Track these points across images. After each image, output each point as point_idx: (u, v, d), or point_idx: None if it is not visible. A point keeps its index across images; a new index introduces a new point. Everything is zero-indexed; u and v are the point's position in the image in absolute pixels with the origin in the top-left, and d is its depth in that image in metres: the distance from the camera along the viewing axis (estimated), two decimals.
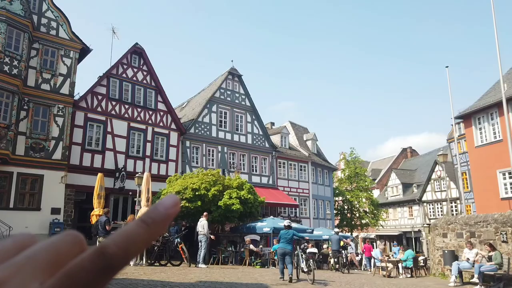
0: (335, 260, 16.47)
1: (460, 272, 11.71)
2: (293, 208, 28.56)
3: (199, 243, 13.44)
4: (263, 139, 28.13)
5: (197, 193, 16.53)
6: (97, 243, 12.28)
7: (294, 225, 19.27)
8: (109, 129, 20.08)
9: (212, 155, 24.82)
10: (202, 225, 13.47)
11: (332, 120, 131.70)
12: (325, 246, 20.74)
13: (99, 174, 15.68)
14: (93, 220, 13.49)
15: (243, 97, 27.75)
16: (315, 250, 17.68)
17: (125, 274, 8.74)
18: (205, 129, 24.83)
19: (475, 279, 10.87)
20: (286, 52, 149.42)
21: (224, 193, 17.24)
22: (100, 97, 20.12)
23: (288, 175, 29.58)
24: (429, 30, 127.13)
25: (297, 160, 30.49)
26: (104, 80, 20.46)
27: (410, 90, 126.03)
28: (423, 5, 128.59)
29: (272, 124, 37.12)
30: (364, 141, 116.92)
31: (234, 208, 16.68)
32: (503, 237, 11.45)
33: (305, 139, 35.23)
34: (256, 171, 27.07)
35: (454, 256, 12.78)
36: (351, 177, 35.76)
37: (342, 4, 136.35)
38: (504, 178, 19.64)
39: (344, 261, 16.47)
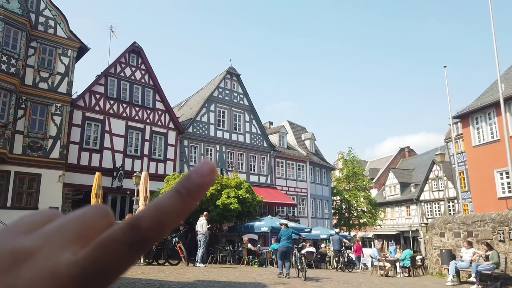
0: (336, 259, 16.62)
1: (457, 272, 11.76)
2: (291, 208, 28.57)
3: (198, 243, 13.44)
4: (261, 138, 28.14)
5: None
6: None
7: (292, 224, 19.35)
8: (107, 128, 20.04)
9: (210, 155, 24.80)
10: (201, 224, 13.46)
11: (330, 120, 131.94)
12: (323, 245, 20.76)
13: (97, 173, 15.64)
14: None
15: (241, 96, 27.74)
16: (313, 249, 17.72)
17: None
18: (203, 129, 24.81)
19: (472, 279, 10.91)
20: (286, 51, 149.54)
21: (222, 192, 17.24)
22: (98, 96, 20.08)
23: (286, 175, 29.60)
24: (428, 30, 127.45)
25: (295, 160, 30.51)
26: (102, 79, 20.42)
27: (408, 90, 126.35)
28: (422, 5, 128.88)
29: (270, 123, 37.13)
30: (362, 141, 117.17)
31: (232, 208, 16.67)
32: (500, 236, 11.49)
33: (303, 138, 35.24)
34: (254, 170, 27.07)
35: (451, 256, 12.82)
36: (349, 177, 35.85)
37: (341, 3, 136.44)
38: (502, 178, 19.71)
39: (346, 260, 16.51)
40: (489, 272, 10.63)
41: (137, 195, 15.28)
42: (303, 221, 28.62)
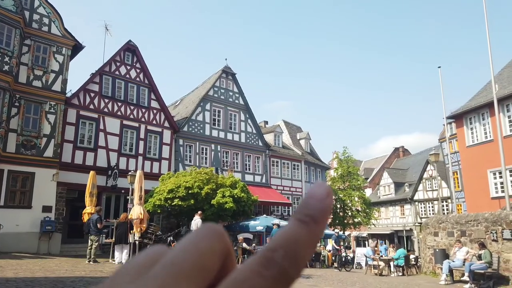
0: (333, 258, 16.82)
1: (451, 271, 11.86)
2: (286, 207, 28.62)
3: None
4: (256, 137, 28.14)
5: (190, 191, 16.48)
6: (89, 241, 12.25)
7: (286, 223, 19.36)
8: (101, 127, 19.94)
9: (206, 154, 24.77)
10: (196, 223, 13.45)
11: (325, 119, 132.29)
12: (318, 244, 20.82)
13: (91, 172, 15.57)
14: (85, 218, 13.40)
15: (237, 95, 27.73)
16: None
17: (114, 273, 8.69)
18: (199, 128, 24.77)
19: (466, 278, 11.01)
20: (282, 51, 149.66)
21: (217, 191, 17.22)
22: (92, 95, 19.97)
23: (281, 174, 29.64)
24: (423, 30, 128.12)
25: (290, 159, 30.56)
26: (96, 78, 20.31)
27: (402, 90, 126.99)
28: (417, 5, 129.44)
29: (266, 122, 37.15)
30: (357, 140, 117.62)
31: (227, 207, 16.67)
32: (493, 236, 11.59)
33: (298, 138, 35.31)
34: (249, 169, 27.07)
35: (445, 255, 12.91)
36: (344, 176, 35.89)
37: (339, 4, 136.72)
38: (495, 178, 19.87)
39: (343, 260, 16.60)
40: (482, 271, 10.73)
41: (132, 194, 15.23)
42: None
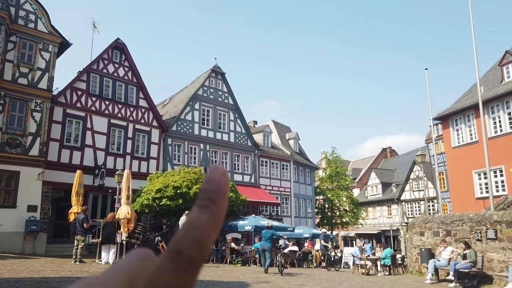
0: (322, 258, 16.98)
1: (436, 270, 12.02)
2: (275, 207, 28.67)
3: None
4: (245, 137, 28.14)
5: (178, 191, 16.40)
6: (75, 241, 12.08)
7: (275, 223, 19.43)
8: (88, 125, 19.70)
9: (194, 153, 24.67)
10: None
11: (314, 120, 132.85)
12: (306, 244, 20.93)
13: (78, 171, 15.36)
14: (71, 218, 13.21)
15: (226, 95, 27.68)
16: (296, 248, 17.83)
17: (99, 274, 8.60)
18: (187, 127, 24.65)
19: (451, 277, 11.18)
20: (271, 51, 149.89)
21: None
22: (79, 93, 19.71)
23: (270, 174, 29.68)
24: (411, 32, 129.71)
25: (279, 159, 30.63)
26: (84, 76, 20.05)
27: (390, 91, 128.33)
28: (404, 7, 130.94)
29: (255, 122, 37.17)
30: (345, 141, 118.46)
31: None
32: (477, 235, 11.80)
33: (287, 138, 35.41)
34: (238, 169, 27.05)
35: (430, 254, 13.10)
36: (332, 176, 36.17)
37: (330, 4, 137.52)
38: (480, 179, 20.22)
39: (332, 259, 16.73)
40: (467, 271, 10.91)
41: (119, 194, 15.07)
42: (287, 220, 28.76)
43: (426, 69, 21.23)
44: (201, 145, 25.07)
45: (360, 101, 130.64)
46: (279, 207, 29.17)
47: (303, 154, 36.03)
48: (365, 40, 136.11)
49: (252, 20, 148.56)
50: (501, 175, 19.15)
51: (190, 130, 24.71)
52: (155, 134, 22.51)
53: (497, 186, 19.07)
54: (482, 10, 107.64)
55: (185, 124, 24.55)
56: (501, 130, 19.50)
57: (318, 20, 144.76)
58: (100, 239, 12.85)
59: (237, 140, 27.48)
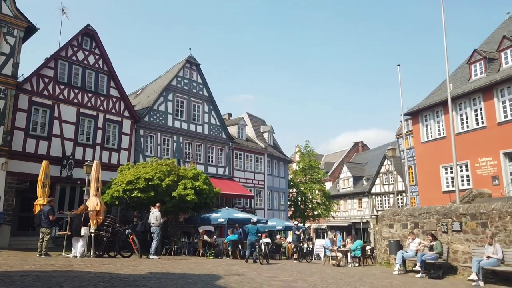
0: (294, 250, 17.18)
1: (404, 261, 12.35)
2: (248, 199, 28.74)
3: (152, 235, 13.13)
4: (220, 129, 27.95)
5: (150, 183, 16.09)
6: (40, 233, 11.64)
7: (248, 216, 19.46)
8: (56, 114, 18.98)
9: (167, 145, 24.30)
10: (155, 216, 13.14)
11: (289, 114, 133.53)
12: (278, 236, 21.09)
13: (44, 162, 14.74)
14: (37, 209, 12.70)
15: (201, 86, 27.35)
16: (268, 240, 17.91)
17: (70, 267, 8.33)
18: (161, 118, 24.22)
19: (417, 267, 11.52)
20: (248, 44, 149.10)
21: (179, 183, 16.94)
22: (47, 80, 18.93)
23: (244, 167, 29.68)
24: (384, 29, 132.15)
25: (253, 152, 30.65)
26: (51, 62, 19.26)
27: (363, 87, 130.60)
28: (377, 5, 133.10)
29: (230, 115, 37.00)
30: (318, 135, 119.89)
31: (189, 199, 16.44)
32: (443, 228, 12.19)
33: (262, 131, 35.47)
34: (212, 161, 26.88)
35: (399, 246, 13.44)
36: (306, 170, 36.60)
37: (305, 5, 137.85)
38: (446, 173, 20.90)
39: (304, 251, 16.96)
40: (433, 261, 11.26)
41: (88, 185, 14.63)
42: (260, 212, 28.89)
43: (399, 65, 21.65)
44: (175, 136, 24.71)
45: (334, 97, 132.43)
46: (252, 200, 29.27)
47: (277, 147, 36.21)
48: (340, 36, 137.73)
49: (230, 14, 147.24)
50: (467, 170, 19.87)
51: (163, 121, 24.28)
52: (127, 125, 21.98)
53: (462, 180, 19.77)
54: (453, 9, 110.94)
55: (158, 115, 24.10)
56: (467, 127, 20.18)
57: (295, 15, 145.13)
58: (67, 231, 12.46)
59: (211, 132, 27.26)
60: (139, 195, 15.94)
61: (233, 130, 30.42)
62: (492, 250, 9.85)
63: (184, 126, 25.53)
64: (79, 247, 11.55)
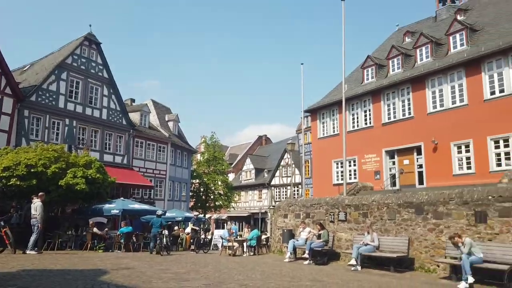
0: (192, 241, 17.16)
1: (294, 249, 13.07)
2: (148, 190, 27.68)
3: (32, 227, 11.76)
4: (120, 115, 26.29)
5: (32, 170, 14.38)
6: None
7: (145, 207, 18.72)
8: None
9: (57, 129, 22.04)
10: (35, 207, 11.79)
11: (197, 105, 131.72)
12: (176, 227, 20.66)
13: None
14: None
15: (101, 67, 25.34)
16: (165, 232, 17.44)
17: None
18: (51, 98, 21.84)
19: (306, 255, 12.28)
20: (154, 29, 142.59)
21: (68, 171, 15.48)
22: None
23: (146, 156, 28.49)
24: (290, 28, 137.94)
25: (156, 140, 29.56)
26: None
27: (270, 82, 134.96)
28: (287, 3, 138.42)
29: (133, 100, 35.08)
30: (225, 127, 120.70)
31: (79, 188, 15.14)
32: (331, 217, 13.17)
33: (167, 119, 34.38)
34: (109, 149, 25.19)
35: (291, 235, 14.19)
36: (210, 161, 36.57)
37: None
38: (337, 167, 22.70)
39: (202, 242, 16.87)
40: (320, 249, 12.11)
41: None
42: (160, 203, 28.05)
43: (302, 64, 22.70)
44: (67, 120, 22.53)
45: (243, 91, 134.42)
46: (152, 190, 28.27)
47: (182, 137, 35.48)
48: (246, 30, 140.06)
49: None
50: (354, 165, 21.83)
51: (53, 102, 21.94)
52: (8, 104, 19.37)
53: (350, 174, 21.66)
54: (353, 15, 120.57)
55: (48, 95, 21.69)
56: (358, 125, 22.15)
57: (201, 10, 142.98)
58: None
59: (110, 118, 25.50)
60: (18, 183, 14.16)
61: (135, 117, 28.90)
62: (370, 238, 10.92)
63: (79, 109, 23.42)
64: None
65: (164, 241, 14.08)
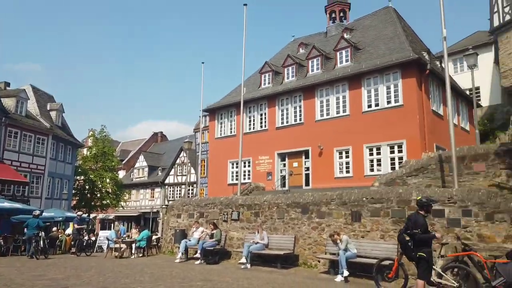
0: (73, 243, 16.02)
1: (186, 249, 12.93)
2: (22, 186, 24.52)
3: None
4: None
5: None
6: None
7: (17, 205, 16.61)
8: None
9: None
10: None
11: (86, 95, 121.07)
12: (54, 228, 18.74)
13: None
14: None
15: None
16: (42, 234, 15.72)
17: None
18: None
19: (198, 255, 12.24)
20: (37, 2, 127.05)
21: None
22: None
23: (20, 148, 25.20)
24: (192, 29, 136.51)
25: (34, 131, 26.36)
26: None
27: (168, 79, 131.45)
28: (189, 5, 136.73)
29: (7, 84, 30.68)
30: (116, 121, 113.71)
31: None
32: (224, 217, 13.36)
33: (49, 108, 30.90)
34: None
35: (184, 235, 13.99)
36: (98, 156, 33.89)
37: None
38: (233, 167, 23.18)
39: (84, 244, 15.63)
40: (212, 248, 12.19)
41: None
42: (36, 201, 25.08)
43: (203, 63, 22.72)
44: None
45: (138, 84, 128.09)
46: (27, 187, 25.13)
47: (66, 129, 32.28)
48: (142, 17, 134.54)
49: None
50: (249, 166, 22.55)
51: None
52: None
53: (244, 175, 22.30)
54: (254, 22, 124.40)
55: None
56: (254, 128, 22.93)
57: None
58: None
59: None
60: None
61: (9, 103, 25.34)
62: (259, 236, 11.36)
63: None
64: None
65: (41, 244, 13.23)
